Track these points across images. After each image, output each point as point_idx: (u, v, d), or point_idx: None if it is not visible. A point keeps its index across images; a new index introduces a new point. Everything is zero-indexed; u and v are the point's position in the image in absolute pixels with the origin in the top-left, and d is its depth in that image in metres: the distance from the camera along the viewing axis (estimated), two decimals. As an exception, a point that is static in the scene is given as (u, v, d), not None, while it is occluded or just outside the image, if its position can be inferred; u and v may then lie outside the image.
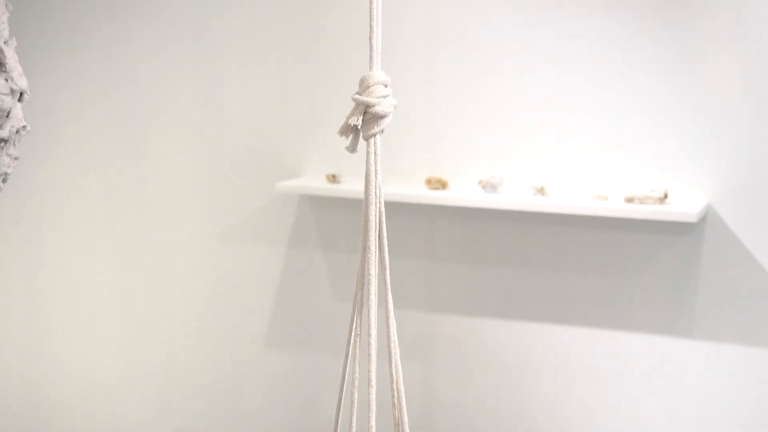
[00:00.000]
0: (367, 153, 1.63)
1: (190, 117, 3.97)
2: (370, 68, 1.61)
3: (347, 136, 1.61)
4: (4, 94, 1.75)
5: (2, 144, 1.77)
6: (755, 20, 3.14)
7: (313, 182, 3.70)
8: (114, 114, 4.05)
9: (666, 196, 3.20)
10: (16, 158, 1.81)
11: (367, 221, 1.64)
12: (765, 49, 3.14)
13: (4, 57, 1.77)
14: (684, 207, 3.18)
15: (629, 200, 3.24)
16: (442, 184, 3.50)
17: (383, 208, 1.67)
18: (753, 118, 3.18)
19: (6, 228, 4.26)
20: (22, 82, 1.80)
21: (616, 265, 3.43)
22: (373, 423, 1.71)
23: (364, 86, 1.60)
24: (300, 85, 3.80)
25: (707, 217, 3.27)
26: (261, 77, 3.86)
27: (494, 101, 3.51)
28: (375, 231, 1.65)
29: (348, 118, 1.59)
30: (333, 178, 3.64)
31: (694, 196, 3.27)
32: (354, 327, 1.72)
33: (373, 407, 1.70)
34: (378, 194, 1.66)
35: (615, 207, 3.24)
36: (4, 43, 1.80)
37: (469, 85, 3.54)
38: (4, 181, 1.80)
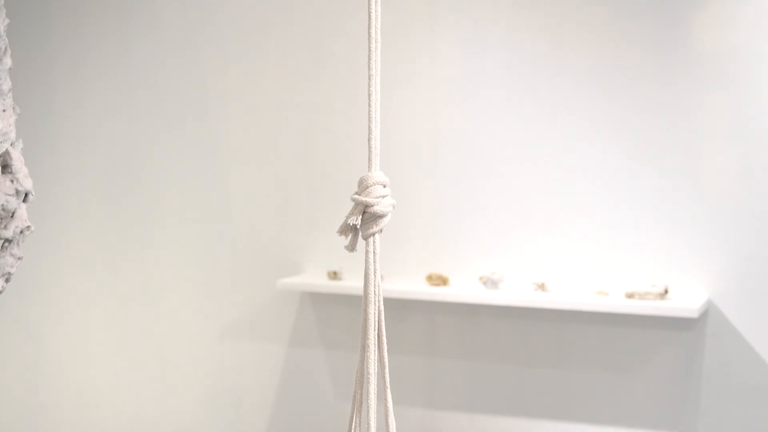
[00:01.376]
0: (366, 252, 1.64)
1: (192, 214, 4.00)
2: (369, 169, 1.63)
3: (346, 236, 1.63)
4: (10, 195, 1.78)
5: (6, 244, 1.79)
6: (753, 116, 3.19)
7: (314, 279, 3.71)
8: (117, 212, 4.09)
9: (666, 291, 3.21)
10: (19, 258, 1.83)
11: (366, 320, 1.65)
12: (763, 144, 3.18)
13: (11, 159, 1.80)
14: (685, 302, 3.18)
15: (630, 296, 3.24)
16: (442, 281, 3.51)
17: (382, 307, 1.68)
18: (752, 212, 3.21)
19: (9, 327, 4.26)
20: (27, 183, 1.82)
21: (618, 361, 3.42)
22: None
23: (363, 186, 1.62)
24: (301, 184, 3.85)
25: (708, 312, 3.27)
26: (262, 175, 3.91)
27: (494, 198, 3.54)
28: (374, 330, 1.65)
29: (347, 217, 1.61)
30: (334, 275, 3.66)
31: (695, 290, 3.28)
32: (353, 426, 1.71)
33: (374, 508, 1.68)
34: (377, 293, 1.66)
35: (616, 303, 3.24)
36: (11, 145, 1.83)
37: (469, 182, 3.58)
38: (7, 280, 1.81)
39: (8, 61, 1.81)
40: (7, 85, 1.82)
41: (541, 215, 3.49)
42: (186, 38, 3.97)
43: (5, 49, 1.80)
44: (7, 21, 1.82)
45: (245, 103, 3.89)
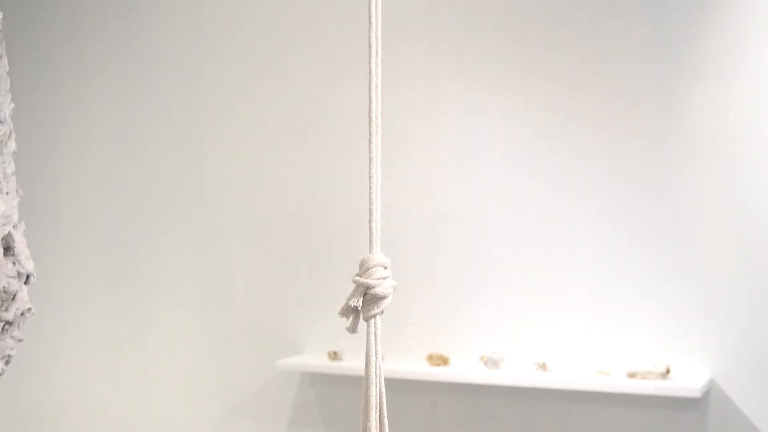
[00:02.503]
0: (367, 334, 1.64)
1: (192, 293, 4.00)
2: (370, 250, 1.64)
3: (347, 317, 1.63)
4: (11, 277, 1.78)
5: (7, 326, 1.78)
6: (750, 193, 3.21)
7: (315, 360, 3.69)
8: (117, 295, 4.09)
9: (668, 371, 3.19)
10: (20, 340, 1.82)
11: (367, 402, 1.64)
12: (760, 221, 3.20)
13: (13, 241, 1.81)
14: (687, 382, 3.16)
15: (631, 375, 3.22)
16: (443, 361, 3.50)
17: (384, 389, 1.67)
18: (751, 290, 3.21)
19: (8, 410, 4.22)
20: (29, 266, 1.83)
21: (621, 442, 3.38)
22: None
23: (364, 268, 1.63)
24: (301, 264, 3.85)
25: (710, 391, 3.24)
26: (263, 256, 3.92)
27: (494, 278, 3.54)
28: (375, 412, 1.64)
29: (348, 299, 1.61)
30: (334, 356, 3.64)
31: (697, 370, 3.26)
32: None
33: None
34: (378, 375, 1.66)
35: (617, 383, 3.22)
36: (14, 227, 1.84)
37: (469, 261, 3.58)
38: (7, 363, 1.81)
39: (12, 145, 1.83)
40: (11, 168, 1.84)
41: (541, 295, 3.49)
42: (185, 118, 4.02)
43: (10, 133, 1.82)
44: (12, 105, 1.85)
45: (245, 183, 3.92)
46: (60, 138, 4.19)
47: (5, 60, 1.85)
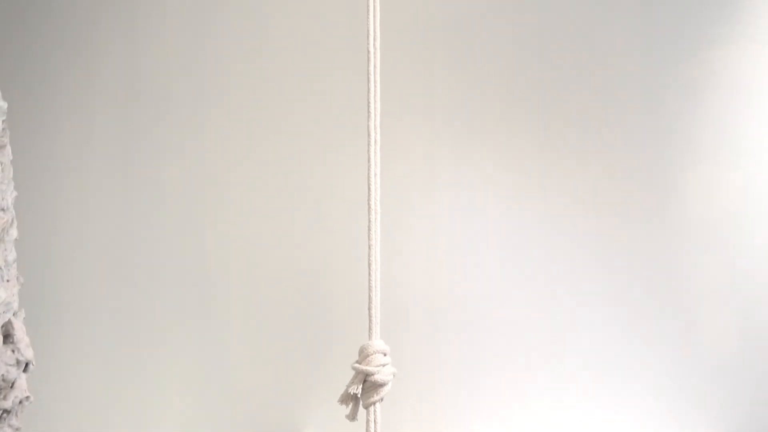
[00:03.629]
0: (367, 422, 1.64)
1: (191, 378, 3.97)
2: (369, 337, 1.65)
3: (347, 405, 1.63)
4: (10, 365, 1.78)
5: (5, 414, 1.78)
6: (748, 276, 3.21)
7: (314, 448, 3.65)
8: (113, 379, 4.06)
9: (671, 458, 3.16)
10: (17, 429, 1.81)
11: (367, 491, 1.63)
12: (760, 305, 3.19)
13: (13, 329, 1.81)
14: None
15: (634, 463, 3.19)
16: (443, 448, 3.46)
17: (384, 477, 1.66)
18: (754, 377, 3.19)
19: None
20: (28, 353, 1.83)
21: None
22: None
23: (363, 355, 1.63)
24: (299, 351, 3.83)
25: (715, 478, 3.20)
26: (261, 342, 3.89)
27: (494, 364, 3.52)
28: (376, 501, 1.63)
29: (348, 386, 1.61)
30: (333, 443, 3.60)
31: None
32: None
33: None
34: (379, 463, 1.65)
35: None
36: (14, 314, 1.84)
37: (469, 349, 3.56)
38: (3, 452, 1.79)
39: (14, 233, 1.85)
40: (12, 255, 1.85)
41: (542, 382, 3.46)
42: (185, 200, 4.05)
43: (12, 221, 1.84)
44: (14, 194, 1.88)
45: (244, 267, 3.92)
46: (60, 220, 4.20)
47: (9, 149, 1.88)
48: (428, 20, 3.84)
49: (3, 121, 1.85)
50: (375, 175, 1.59)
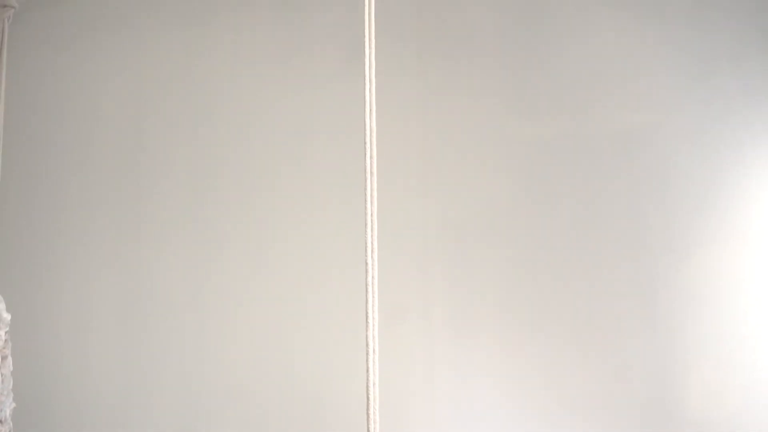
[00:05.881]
0: None
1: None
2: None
3: None
4: None
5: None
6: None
7: None
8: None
9: None
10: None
11: None
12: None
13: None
14: None
15: None
16: None
17: None
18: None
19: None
20: None
21: None
22: None
23: None
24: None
25: None
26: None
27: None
28: None
29: None
30: None
31: None
32: None
33: None
34: None
35: None
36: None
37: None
38: None
39: (7, 438, 1.84)
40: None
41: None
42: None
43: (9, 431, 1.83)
44: (13, 405, 1.87)
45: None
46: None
47: (10, 360, 1.89)
48: (424, 222, 3.97)
49: (6, 333, 1.86)
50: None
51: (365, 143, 2.11)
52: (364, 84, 2.16)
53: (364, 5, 2.25)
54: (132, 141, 4.33)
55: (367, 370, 1.72)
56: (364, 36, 2.23)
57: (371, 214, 2.07)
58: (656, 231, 3.69)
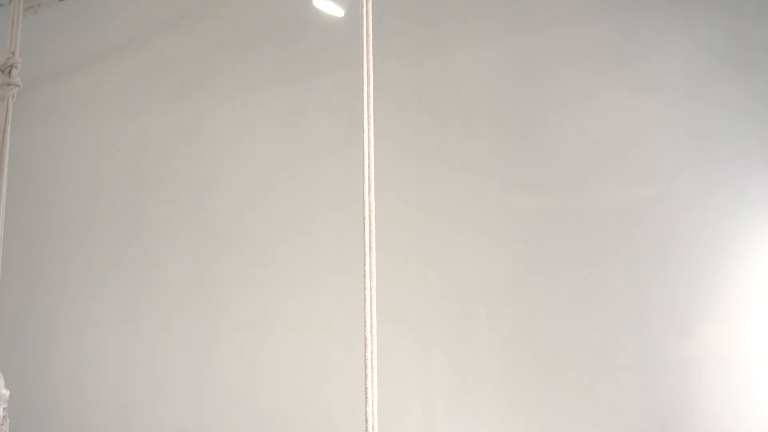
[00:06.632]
0: None
1: None
2: None
3: None
4: None
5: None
6: None
7: None
8: None
9: None
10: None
11: None
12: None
13: None
14: None
15: None
16: None
17: None
18: None
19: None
20: None
21: None
22: None
23: None
24: None
25: None
26: None
27: None
28: None
29: None
30: None
31: None
32: None
33: None
34: None
35: None
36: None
37: None
38: None
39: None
40: None
41: None
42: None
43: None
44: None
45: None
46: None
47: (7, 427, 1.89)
48: (424, 296, 3.96)
49: (4, 409, 1.86)
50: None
51: (364, 218, 2.13)
52: (363, 160, 2.19)
53: (363, 79, 2.29)
54: (133, 211, 4.37)
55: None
56: (363, 110, 2.27)
57: (370, 289, 2.08)
58: (657, 305, 3.69)
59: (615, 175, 3.88)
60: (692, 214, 3.77)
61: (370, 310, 2.03)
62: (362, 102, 2.24)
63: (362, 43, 2.30)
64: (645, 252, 3.77)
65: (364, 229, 2.08)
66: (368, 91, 2.26)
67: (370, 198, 2.17)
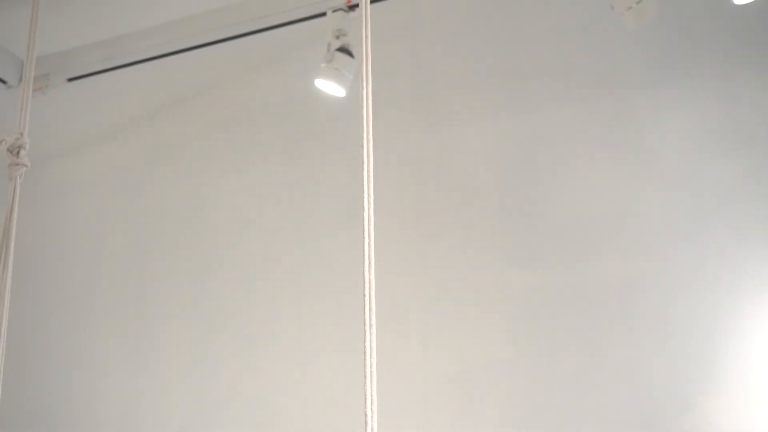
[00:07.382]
0: None
1: None
2: None
3: None
4: None
5: None
6: None
7: None
8: None
9: None
10: None
11: None
12: None
13: None
14: None
15: None
16: None
17: None
18: None
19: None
20: None
21: None
22: None
23: None
24: None
25: None
26: None
27: None
28: None
29: None
30: None
31: None
32: None
33: None
34: None
35: None
36: None
37: None
38: None
39: None
40: None
41: None
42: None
43: None
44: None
45: None
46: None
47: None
48: (425, 375, 3.97)
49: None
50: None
51: (364, 296, 2.16)
52: (363, 239, 2.23)
53: (363, 161, 2.33)
54: (137, 288, 4.39)
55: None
56: (363, 189, 2.31)
57: (370, 366, 2.10)
58: (657, 381, 3.70)
59: (613, 250, 3.91)
60: (691, 288, 3.79)
61: (371, 388, 2.05)
62: (362, 181, 2.28)
63: (363, 124, 2.35)
64: (646, 326, 3.78)
65: (365, 308, 2.10)
66: (368, 170, 2.30)
67: (370, 275, 2.20)
